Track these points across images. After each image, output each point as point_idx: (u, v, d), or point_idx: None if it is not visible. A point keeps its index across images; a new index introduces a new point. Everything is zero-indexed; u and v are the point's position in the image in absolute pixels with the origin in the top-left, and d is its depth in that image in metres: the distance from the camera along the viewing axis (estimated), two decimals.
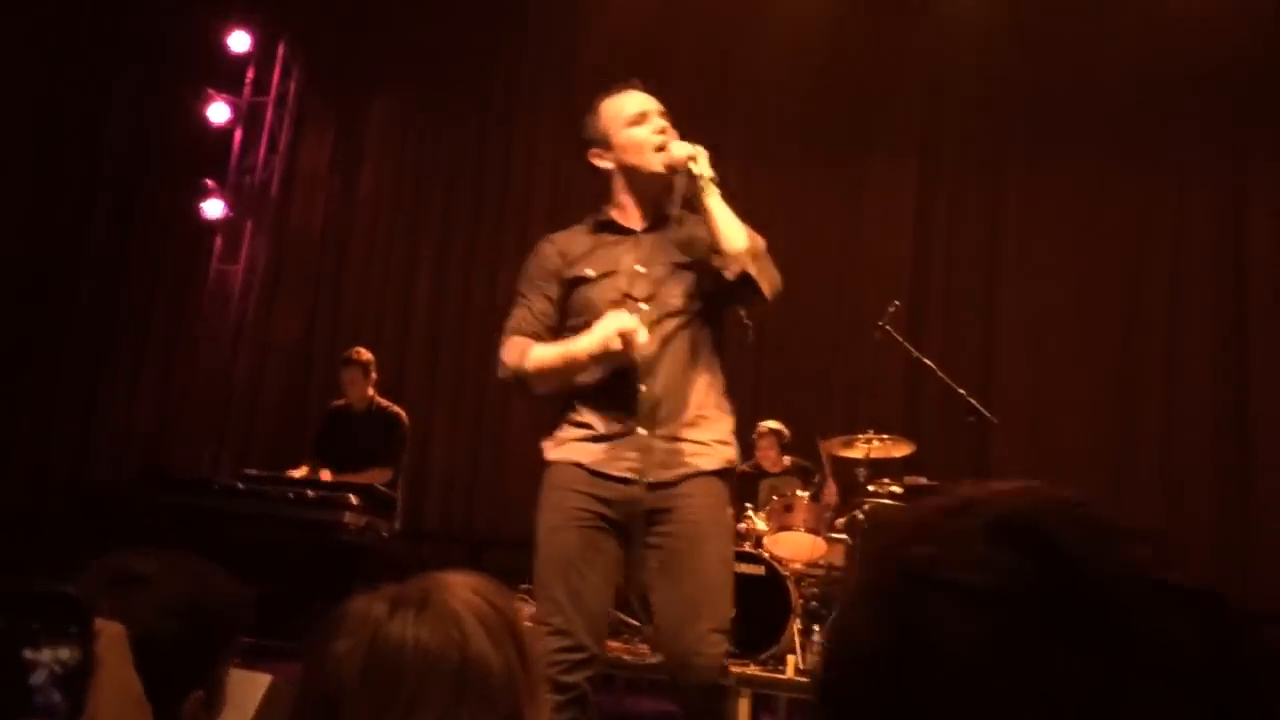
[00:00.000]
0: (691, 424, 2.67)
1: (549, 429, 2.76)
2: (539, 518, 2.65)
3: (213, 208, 8.40)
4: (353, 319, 8.36)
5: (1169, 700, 0.46)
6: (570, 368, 2.62)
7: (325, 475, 5.73)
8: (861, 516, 5.71)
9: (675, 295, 2.71)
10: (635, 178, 2.77)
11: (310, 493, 5.45)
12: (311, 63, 8.78)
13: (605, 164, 2.80)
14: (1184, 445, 6.94)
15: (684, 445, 2.65)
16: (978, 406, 5.65)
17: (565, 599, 2.55)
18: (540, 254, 2.86)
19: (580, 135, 2.83)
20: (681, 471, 2.63)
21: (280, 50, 8.71)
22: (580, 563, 2.57)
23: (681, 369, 2.67)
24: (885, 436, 5.78)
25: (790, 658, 5.30)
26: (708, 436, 2.68)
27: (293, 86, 8.74)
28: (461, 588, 0.97)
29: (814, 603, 5.70)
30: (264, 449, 8.01)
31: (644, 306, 2.66)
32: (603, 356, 2.55)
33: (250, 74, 8.67)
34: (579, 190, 8.25)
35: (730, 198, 2.68)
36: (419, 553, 7.09)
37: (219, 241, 8.54)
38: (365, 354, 6.15)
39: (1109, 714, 0.46)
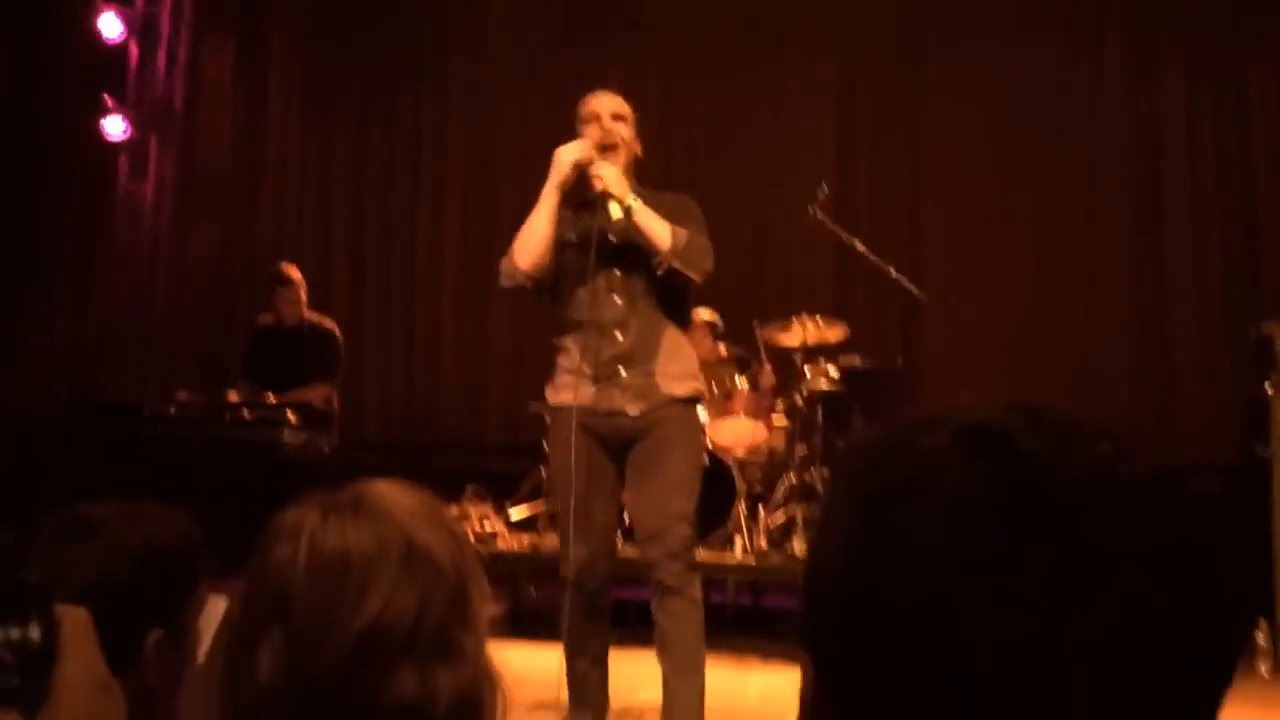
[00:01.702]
0: (662, 362, 3.23)
1: (548, 377, 3.38)
2: (550, 456, 3.34)
3: (114, 126, 8.07)
4: (272, 233, 8.16)
5: (1122, 584, 0.49)
6: (542, 218, 3.18)
7: (270, 399, 5.63)
8: (800, 400, 5.80)
9: (642, 259, 3.21)
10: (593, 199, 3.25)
11: (246, 413, 5.36)
12: None
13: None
14: (1103, 320, 7.11)
15: (658, 380, 3.22)
16: (907, 285, 5.73)
17: (582, 526, 3.15)
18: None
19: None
20: (657, 400, 3.21)
21: None
22: (588, 490, 3.18)
23: (651, 320, 3.24)
24: (819, 321, 5.84)
25: (738, 539, 5.42)
26: (677, 370, 3.26)
27: None
28: (390, 490, 0.99)
29: (758, 487, 5.81)
30: (190, 372, 7.85)
31: (616, 271, 3.21)
32: (563, 185, 3.15)
33: None
34: (493, 90, 8.08)
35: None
36: (361, 465, 7.07)
37: (124, 161, 8.22)
38: (295, 272, 6.02)
39: (1063, 605, 0.48)
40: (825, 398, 5.83)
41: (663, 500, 3.14)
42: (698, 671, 3.11)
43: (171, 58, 8.32)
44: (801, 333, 5.81)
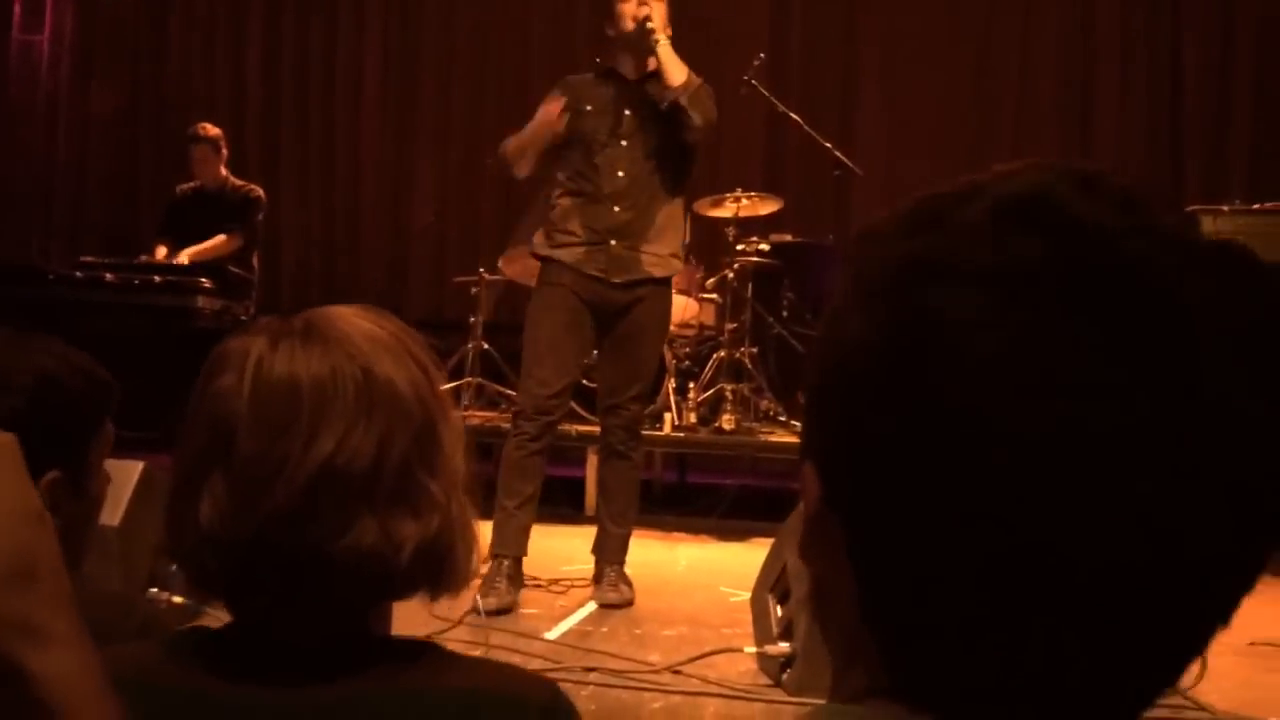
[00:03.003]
0: (651, 240, 3.54)
1: (545, 231, 3.64)
2: (534, 301, 3.59)
3: None
4: (180, 91, 7.75)
5: (1192, 355, 0.43)
6: (535, 137, 3.51)
7: (182, 259, 5.37)
8: (731, 275, 5.73)
9: (652, 138, 3.52)
10: (623, 40, 3.58)
11: (158, 278, 5.13)
12: None
13: (609, 30, 3.63)
14: None
15: (643, 255, 3.53)
16: (843, 159, 5.64)
17: (550, 360, 3.49)
18: (558, 90, 3.63)
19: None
20: (639, 275, 3.53)
21: None
22: (563, 335, 3.51)
23: (649, 198, 3.54)
24: (753, 194, 5.74)
25: (667, 415, 5.40)
26: (663, 251, 3.57)
27: None
28: (345, 314, 0.88)
29: (687, 362, 5.78)
30: (95, 236, 7.52)
31: (624, 143, 3.49)
32: (545, 126, 3.50)
33: None
34: None
35: None
36: None
37: (17, 9, 7.69)
38: (212, 129, 5.66)
39: (1129, 391, 0.42)
40: (756, 273, 5.77)
41: (628, 379, 3.59)
42: (629, 518, 3.67)
43: None
44: (734, 206, 5.71)
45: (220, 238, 5.43)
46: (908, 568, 0.46)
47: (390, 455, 0.83)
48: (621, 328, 3.56)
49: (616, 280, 3.51)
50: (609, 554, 3.63)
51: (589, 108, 3.54)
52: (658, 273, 3.56)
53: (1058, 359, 0.42)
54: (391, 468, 0.83)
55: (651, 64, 3.57)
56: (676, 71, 3.45)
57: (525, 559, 3.56)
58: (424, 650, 0.87)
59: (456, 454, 0.89)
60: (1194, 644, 0.46)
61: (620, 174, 3.50)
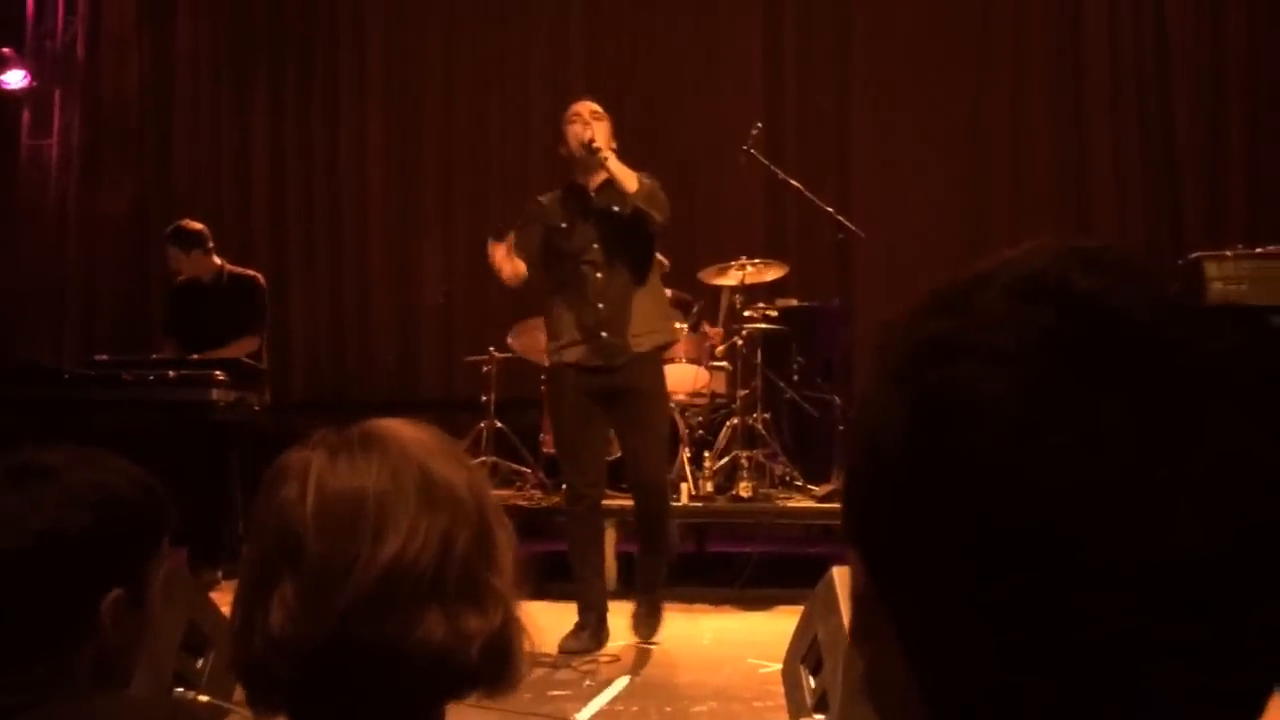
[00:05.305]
0: (634, 325, 4.02)
1: (548, 339, 4.19)
2: (551, 404, 4.19)
3: (13, 77, 7.68)
4: (187, 188, 7.85)
5: (1214, 420, 0.45)
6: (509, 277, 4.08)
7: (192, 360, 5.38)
8: (740, 342, 5.75)
9: (619, 238, 3.99)
10: (572, 158, 4.10)
11: (171, 373, 5.16)
12: None
13: (563, 150, 4.12)
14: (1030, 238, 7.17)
15: (629, 341, 4.03)
16: (846, 224, 5.68)
17: (577, 455, 4.07)
18: (533, 206, 4.16)
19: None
20: (629, 357, 4.01)
21: None
22: (583, 428, 4.04)
23: (626, 290, 4.03)
24: (757, 261, 5.78)
25: (683, 485, 5.38)
26: (645, 329, 4.04)
27: None
28: (400, 425, 0.93)
29: (700, 431, 5.78)
30: (106, 336, 7.58)
31: (595, 246, 3.98)
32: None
33: None
34: (413, 25, 7.85)
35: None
36: (292, 425, 6.88)
37: (26, 114, 7.84)
38: (185, 226, 5.53)
39: (1150, 449, 0.44)
40: (765, 338, 5.80)
41: (643, 454, 4.04)
42: (657, 547, 4.16)
43: (70, 6, 7.93)
44: (739, 274, 5.75)
45: (234, 345, 5.45)
46: (957, 645, 0.46)
47: (453, 551, 0.85)
48: (624, 409, 4.03)
49: (610, 364, 3.99)
50: (641, 584, 4.15)
51: (563, 225, 4.03)
52: (645, 348, 4.05)
53: (1077, 422, 0.44)
54: (455, 563, 0.85)
55: (604, 176, 4.02)
56: (628, 181, 3.92)
57: (548, 640, 3.60)
58: None
59: (510, 553, 0.92)
60: (1252, 701, 0.46)
61: (598, 275, 3.99)
